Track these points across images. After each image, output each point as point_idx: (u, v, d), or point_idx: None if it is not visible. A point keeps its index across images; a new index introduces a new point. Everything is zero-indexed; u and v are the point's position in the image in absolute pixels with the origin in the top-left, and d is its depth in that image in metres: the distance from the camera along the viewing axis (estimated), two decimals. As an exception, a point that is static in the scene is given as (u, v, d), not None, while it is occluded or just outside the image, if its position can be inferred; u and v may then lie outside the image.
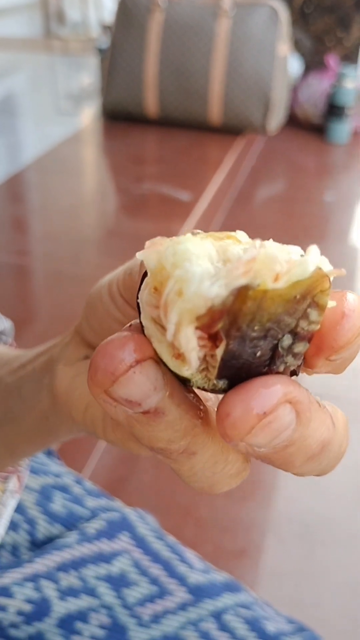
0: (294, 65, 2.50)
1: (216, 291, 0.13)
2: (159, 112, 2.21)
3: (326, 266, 0.14)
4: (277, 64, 2.13)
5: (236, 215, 1.90)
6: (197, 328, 0.13)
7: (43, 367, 0.31)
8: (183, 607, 0.47)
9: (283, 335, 0.14)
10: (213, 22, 2.09)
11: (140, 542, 0.51)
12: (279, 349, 0.14)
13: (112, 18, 2.28)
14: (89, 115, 2.55)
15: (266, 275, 0.13)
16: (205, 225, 1.71)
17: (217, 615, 0.47)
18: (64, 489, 0.54)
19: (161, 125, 2.25)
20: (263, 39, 2.10)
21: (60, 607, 0.44)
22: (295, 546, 0.92)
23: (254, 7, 2.10)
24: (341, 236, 1.90)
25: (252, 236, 0.16)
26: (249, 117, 2.17)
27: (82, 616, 0.44)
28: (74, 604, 0.45)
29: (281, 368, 0.14)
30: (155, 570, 0.49)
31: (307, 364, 0.16)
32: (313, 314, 0.14)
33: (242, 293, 0.13)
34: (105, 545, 0.49)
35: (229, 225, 1.84)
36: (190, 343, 0.14)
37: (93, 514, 0.52)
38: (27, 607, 0.43)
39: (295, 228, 1.86)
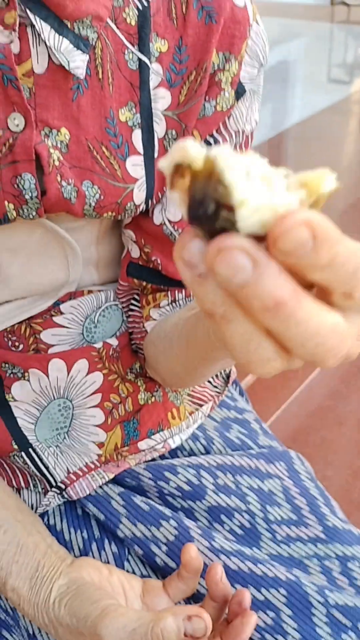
0: None
1: (164, 164, 0.22)
2: None
3: (216, 155, 0.21)
4: None
5: None
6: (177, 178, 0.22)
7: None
8: (314, 541, 0.52)
9: (210, 203, 0.21)
10: None
11: (294, 475, 0.56)
12: (209, 211, 0.21)
13: None
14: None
15: (195, 162, 0.21)
16: None
17: (344, 560, 0.50)
18: (242, 424, 0.62)
19: None
20: None
21: (212, 499, 0.52)
22: None
23: None
24: None
25: None
26: None
27: (228, 512, 0.52)
28: (224, 500, 0.52)
29: (223, 225, 0.21)
30: (300, 502, 0.54)
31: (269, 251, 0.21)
32: (221, 188, 0.20)
33: (178, 167, 0.22)
34: (262, 466, 0.56)
35: None
36: (176, 198, 0.22)
37: (261, 449, 0.59)
38: (186, 487, 0.52)
39: None
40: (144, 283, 0.54)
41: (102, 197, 0.44)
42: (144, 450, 0.54)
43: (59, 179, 0.42)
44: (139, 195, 0.46)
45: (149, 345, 0.53)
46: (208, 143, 0.48)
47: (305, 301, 0.21)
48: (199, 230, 0.22)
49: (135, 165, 0.45)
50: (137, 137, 0.45)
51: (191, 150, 0.21)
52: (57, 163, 0.41)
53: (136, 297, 0.56)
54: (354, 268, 0.21)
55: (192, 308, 0.47)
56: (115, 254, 0.56)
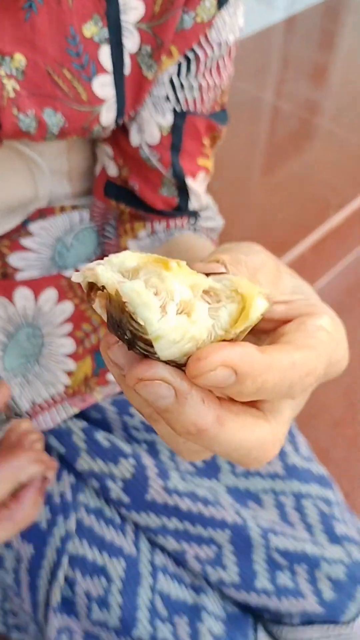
0: None
1: (78, 279, 0.21)
2: None
3: (129, 293, 0.19)
4: None
5: None
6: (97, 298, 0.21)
7: None
8: (273, 476, 0.53)
9: (126, 330, 0.20)
10: None
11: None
12: (126, 337, 0.20)
13: None
14: None
15: (108, 287, 0.20)
16: None
17: (298, 497, 0.52)
18: None
19: None
20: None
21: (175, 431, 0.54)
22: None
23: None
24: None
25: None
26: None
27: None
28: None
29: (142, 351, 0.20)
30: (264, 438, 0.55)
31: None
32: (133, 323, 0.20)
33: (91, 285, 0.21)
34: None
35: None
36: (96, 307, 0.22)
37: None
38: (149, 421, 0.53)
39: None
40: (122, 206, 0.51)
41: (65, 125, 0.41)
42: (112, 382, 0.54)
43: (15, 112, 0.38)
44: (108, 116, 0.43)
45: None
46: (187, 58, 0.43)
47: (228, 423, 0.21)
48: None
49: (103, 86, 0.41)
50: (104, 53, 0.40)
51: (102, 277, 0.20)
52: (12, 95, 0.38)
53: (111, 222, 0.54)
54: (288, 385, 0.21)
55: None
56: (90, 163, 0.53)
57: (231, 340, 0.21)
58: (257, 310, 0.21)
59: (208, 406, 0.20)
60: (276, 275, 0.26)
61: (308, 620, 0.48)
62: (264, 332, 0.26)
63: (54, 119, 0.40)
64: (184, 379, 0.20)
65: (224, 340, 0.21)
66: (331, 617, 0.47)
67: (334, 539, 0.50)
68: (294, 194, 1.16)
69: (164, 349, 0.20)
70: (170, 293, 0.20)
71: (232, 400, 0.22)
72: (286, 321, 0.25)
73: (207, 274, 0.23)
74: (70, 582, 0.47)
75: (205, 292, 0.21)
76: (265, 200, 1.15)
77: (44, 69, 0.38)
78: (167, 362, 0.20)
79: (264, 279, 0.26)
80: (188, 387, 0.20)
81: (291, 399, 0.23)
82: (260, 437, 0.22)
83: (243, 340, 0.21)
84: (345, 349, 0.26)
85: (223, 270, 0.24)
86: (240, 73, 1.48)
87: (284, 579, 0.47)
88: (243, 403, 0.22)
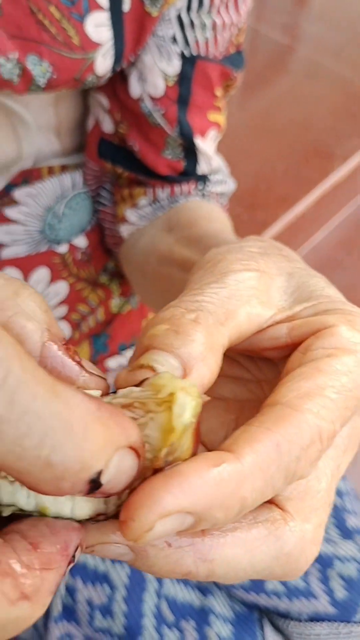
0: None
1: None
2: None
3: None
4: None
5: None
6: None
7: None
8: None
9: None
10: None
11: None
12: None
13: None
14: None
15: None
16: None
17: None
18: None
19: None
20: None
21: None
22: None
23: None
24: None
25: None
26: None
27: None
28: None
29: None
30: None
31: None
32: None
33: None
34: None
35: None
36: None
37: None
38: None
39: None
40: (119, 170, 0.45)
41: (54, 75, 0.34)
42: (112, 370, 0.50)
43: None
44: (104, 64, 0.36)
45: (124, 261, 0.46)
46: None
47: (221, 551, 0.16)
48: None
49: (98, 26, 0.34)
50: None
51: None
52: None
53: (106, 187, 0.47)
54: (284, 478, 0.15)
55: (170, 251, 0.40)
56: (82, 114, 0.46)
57: (171, 462, 0.15)
58: (181, 414, 0.15)
59: (181, 545, 0.15)
60: (264, 287, 0.20)
61: (317, 617, 0.46)
62: (281, 359, 0.20)
63: (39, 69, 0.33)
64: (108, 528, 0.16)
65: (155, 469, 0.15)
66: (343, 617, 0.45)
67: (346, 533, 0.48)
68: (293, 142, 1.08)
69: (68, 513, 0.15)
70: None
71: None
72: (296, 345, 0.19)
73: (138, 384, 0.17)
74: (70, 590, 0.44)
75: (127, 406, 0.15)
76: (263, 149, 1.08)
77: (25, 5, 0.31)
78: (94, 519, 0.15)
79: (243, 304, 0.19)
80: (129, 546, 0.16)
81: (300, 479, 0.16)
82: (279, 548, 0.16)
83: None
84: None
85: (147, 375, 0.17)
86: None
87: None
88: None
